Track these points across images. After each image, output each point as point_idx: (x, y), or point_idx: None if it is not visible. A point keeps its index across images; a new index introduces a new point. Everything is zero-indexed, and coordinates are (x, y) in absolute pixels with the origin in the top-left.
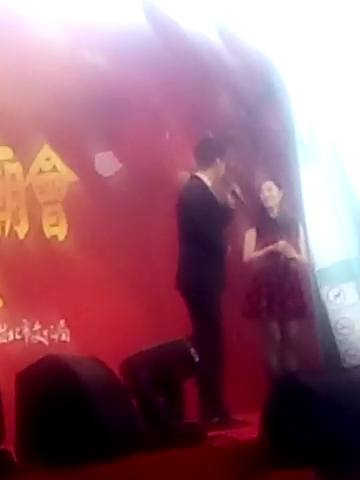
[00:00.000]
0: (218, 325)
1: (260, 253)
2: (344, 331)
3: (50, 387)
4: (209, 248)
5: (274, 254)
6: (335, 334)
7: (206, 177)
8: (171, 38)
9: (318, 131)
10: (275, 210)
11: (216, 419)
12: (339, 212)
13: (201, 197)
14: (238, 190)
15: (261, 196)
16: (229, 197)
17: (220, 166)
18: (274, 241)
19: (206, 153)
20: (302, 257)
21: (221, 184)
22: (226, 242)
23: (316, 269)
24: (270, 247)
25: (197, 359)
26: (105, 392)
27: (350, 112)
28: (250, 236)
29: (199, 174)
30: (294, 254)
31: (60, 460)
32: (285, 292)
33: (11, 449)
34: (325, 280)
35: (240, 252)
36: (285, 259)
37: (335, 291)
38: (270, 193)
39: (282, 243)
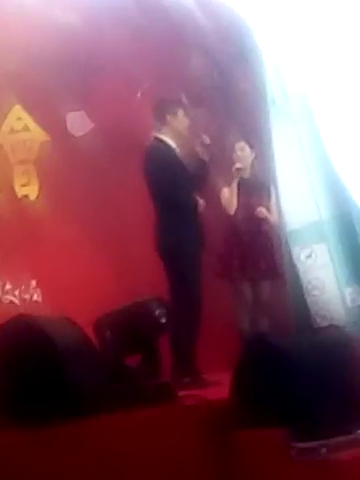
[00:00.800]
0: (197, 286)
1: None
2: (315, 292)
3: (21, 346)
4: (181, 209)
5: (248, 216)
6: (306, 295)
7: (166, 136)
8: None
9: (290, 91)
10: (247, 171)
11: (187, 379)
12: (311, 173)
13: (163, 157)
14: (208, 140)
15: (233, 156)
16: (199, 149)
17: (174, 122)
18: (247, 201)
19: (158, 112)
20: (274, 218)
21: (187, 138)
22: (196, 201)
23: (288, 230)
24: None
25: (163, 320)
26: (76, 351)
27: (322, 72)
28: (229, 192)
29: (159, 135)
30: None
31: (31, 419)
32: (257, 252)
33: None
34: (297, 241)
35: (215, 212)
36: (257, 220)
37: (306, 252)
38: (243, 153)
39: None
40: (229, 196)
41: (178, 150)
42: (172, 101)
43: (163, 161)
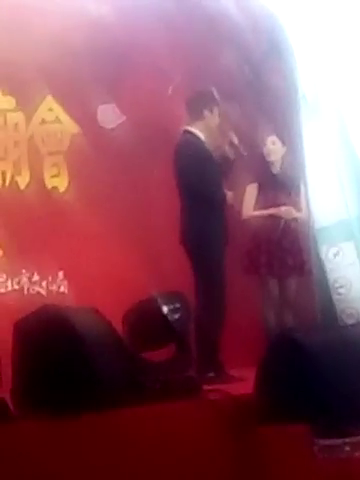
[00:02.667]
0: (221, 280)
1: (260, 213)
2: (341, 290)
3: (47, 337)
4: (207, 202)
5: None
6: (332, 293)
7: (198, 130)
8: None
9: (321, 89)
10: (277, 165)
11: (212, 373)
12: (340, 171)
13: (194, 151)
14: (236, 140)
15: (265, 150)
16: (227, 148)
17: (210, 118)
18: (275, 197)
19: (194, 106)
20: (302, 215)
21: (217, 135)
22: (224, 195)
23: (316, 227)
24: (271, 210)
25: (176, 316)
26: (102, 343)
27: (354, 71)
28: (251, 191)
29: (190, 128)
30: (295, 214)
31: (56, 409)
32: (284, 249)
33: (7, 398)
34: (324, 239)
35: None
36: (286, 219)
37: (334, 250)
38: (274, 147)
39: (285, 208)
40: (249, 194)
41: (209, 145)
42: (208, 96)
43: (193, 153)
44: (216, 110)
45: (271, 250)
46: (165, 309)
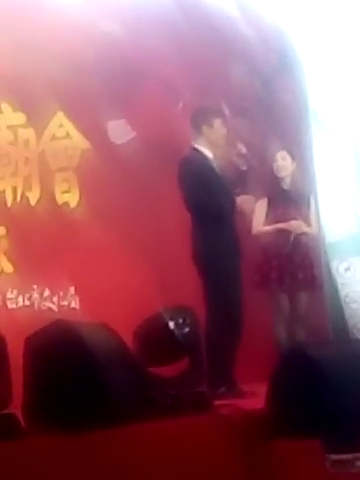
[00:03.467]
0: (234, 295)
1: (270, 229)
2: (353, 305)
3: (58, 352)
4: (214, 218)
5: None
6: (344, 308)
7: (203, 146)
8: (188, 7)
9: (331, 104)
10: (287, 181)
11: (223, 388)
12: (351, 185)
13: (197, 168)
14: (244, 149)
15: (274, 165)
16: (236, 159)
17: (210, 132)
18: (285, 212)
19: (194, 123)
20: (313, 230)
21: (223, 148)
22: (232, 210)
23: (327, 242)
24: (282, 225)
25: (180, 332)
26: (113, 358)
27: None
28: (261, 207)
29: (196, 145)
30: (305, 229)
31: (67, 425)
32: (295, 264)
33: (19, 413)
34: (335, 253)
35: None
36: (296, 234)
37: (345, 265)
38: (284, 162)
39: (294, 222)
40: (258, 210)
41: (215, 160)
42: (208, 111)
43: (197, 171)
44: (218, 122)
45: (282, 265)
46: (172, 324)
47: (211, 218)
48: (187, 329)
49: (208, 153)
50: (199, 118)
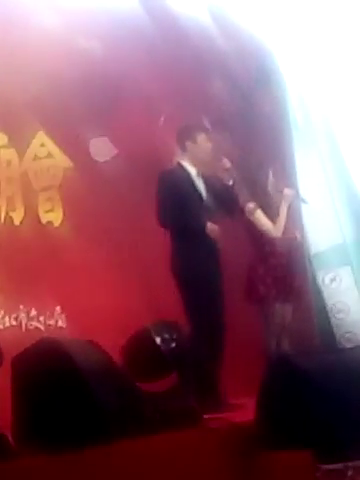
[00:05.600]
0: (216, 310)
1: (282, 221)
2: (340, 315)
3: (46, 370)
4: (191, 234)
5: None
6: (331, 317)
7: (186, 162)
8: (164, 23)
9: (313, 115)
10: (270, 194)
11: (211, 402)
12: (334, 196)
13: (173, 183)
14: (229, 164)
15: (268, 182)
16: (222, 174)
17: (194, 148)
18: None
19: (179, 139)
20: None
21: (208, 163)
22: (204, 226)
23: (312, 253)
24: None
25: (172, 345)
26: (101, 374)
27: (344, 95)
28: (260, 214)
29: (180, 160)
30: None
31: (57, 444)
32: (281, 275)
33: (8, 433)
34: (321, 264)
35: (236, 236)
36: (281, 243)
37: (331, 275)
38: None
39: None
40: (280, 221)
41: (199, 175)
42: (193, 127)
43: (173, 186)
44: (202, 137)
45: (267, 276)
46: (158, 339)
47: (186, 233)
48: (174, 344)
49: (192, 169)
50: (183, 134)
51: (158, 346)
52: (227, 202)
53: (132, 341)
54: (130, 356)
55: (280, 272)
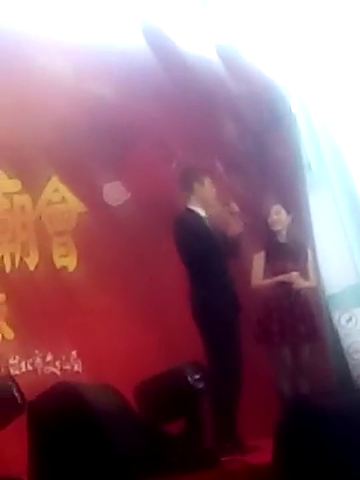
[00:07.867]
0: (234, 351)
1: (270, 282)
2: (357, 355)
3: (63, 414)
4: (211, 276)
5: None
6: (348, 358)
7: (195, 205)
8: (174, 66)
9: (325, 156)
10: (284, 234)
11: (229, 444)
12: (349, 236)
13: (191, 228)
14: (236, 208)
15: (269, 220)
16: (229, 217)
17: (201, 190)
18: (283, 266)
19: (184, 181)
20: (312, 282)
21: (215, 205)
22: (229, 267)
23: (327, 294)
24: (281, 277)
25: (200, 385)
26: (117, 418)
27: (356, 134)
28: (258, 260)
29: (189, 205)
30: (305, 284)
31: None
32: (296, 317)
33: (25, 478)
34: (336, 305)
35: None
36: (297, 285)
37: (346, 316)
38: (278, 216)
39: (295, 274)
40: (256, 264)
41: (208, 218)
42: (198, 169)
43: (190, 231)
44: (207, 181)
45: (283, 318)
46: (190, 379)
47: (206, 275)
48: (203, 384)
49: (201, 211)
50: (188, 176)
51: (173, 389)
52: (234, 245)
53: (148, 383)
54: (146, 398)
55: (293, 314)
